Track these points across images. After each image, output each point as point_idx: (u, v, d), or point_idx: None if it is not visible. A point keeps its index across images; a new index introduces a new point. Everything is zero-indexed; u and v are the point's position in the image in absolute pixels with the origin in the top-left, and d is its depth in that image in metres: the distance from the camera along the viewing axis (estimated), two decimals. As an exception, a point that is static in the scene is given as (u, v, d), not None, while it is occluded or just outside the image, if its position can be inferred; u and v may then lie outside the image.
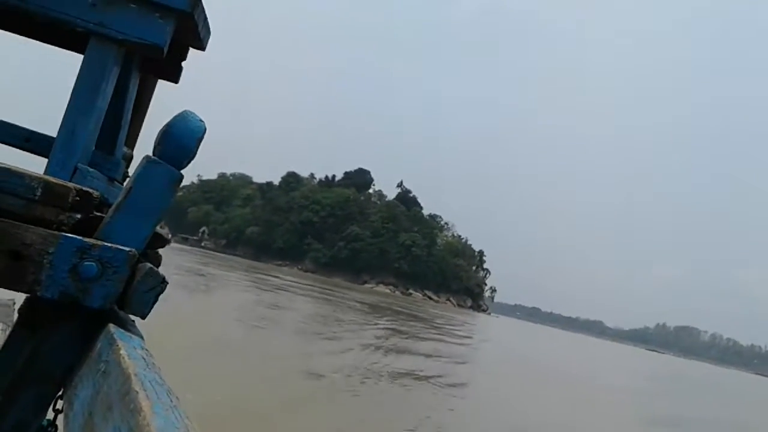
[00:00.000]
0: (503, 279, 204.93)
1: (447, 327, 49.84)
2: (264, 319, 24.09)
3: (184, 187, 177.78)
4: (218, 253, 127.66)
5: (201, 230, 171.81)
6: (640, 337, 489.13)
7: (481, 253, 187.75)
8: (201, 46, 2.36)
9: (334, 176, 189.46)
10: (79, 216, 1.65)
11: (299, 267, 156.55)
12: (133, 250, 1.54)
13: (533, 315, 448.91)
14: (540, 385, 25.11)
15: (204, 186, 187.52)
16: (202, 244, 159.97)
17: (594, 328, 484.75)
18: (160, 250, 1.94)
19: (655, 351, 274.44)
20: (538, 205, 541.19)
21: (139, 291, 1.54)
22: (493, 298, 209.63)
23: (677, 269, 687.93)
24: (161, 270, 1.67)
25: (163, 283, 1.59)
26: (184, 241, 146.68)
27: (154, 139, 1.65)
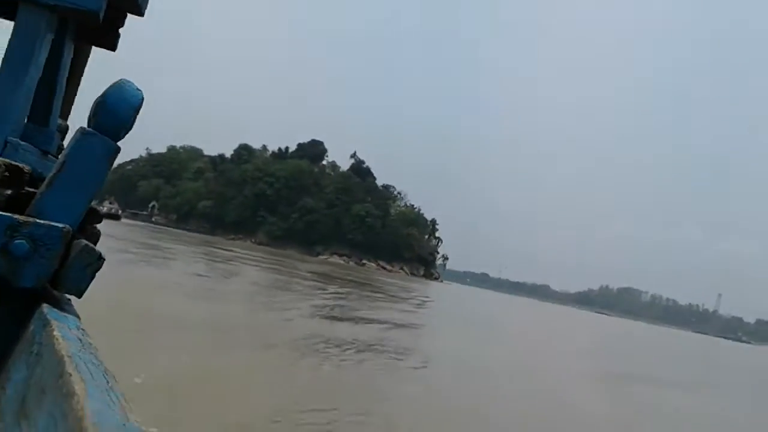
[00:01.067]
0: (453, 246, 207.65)
1: (394, 296, 50.00)
2: (207, 293, 23.73)
3: (132, 160, 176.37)
4: (170, 228, 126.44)
5: (151, 204, 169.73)
6: (584, 300, 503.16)
7: (433, 222, 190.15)
8: (139, 12, 2.27)
9: (287, 148, 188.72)
10: (9, 192, 1.58)
11: (252, 240, 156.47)
12: (67, 226, 1.48)
13: (483, 281, 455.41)
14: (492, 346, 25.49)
15: (153, 159, 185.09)
16: (153, 219, 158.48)
17: (541, 292, 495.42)
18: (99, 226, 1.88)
19: (603, 313, 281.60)
20: (486, 171, 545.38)
21: (75, 268, 1.49)
22: (445, 266, 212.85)
23: (619, 231, 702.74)
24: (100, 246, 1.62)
25: (99, 260, 1.54)
26: (134, 216, 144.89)
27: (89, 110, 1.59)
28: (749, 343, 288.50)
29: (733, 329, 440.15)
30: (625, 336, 79.31)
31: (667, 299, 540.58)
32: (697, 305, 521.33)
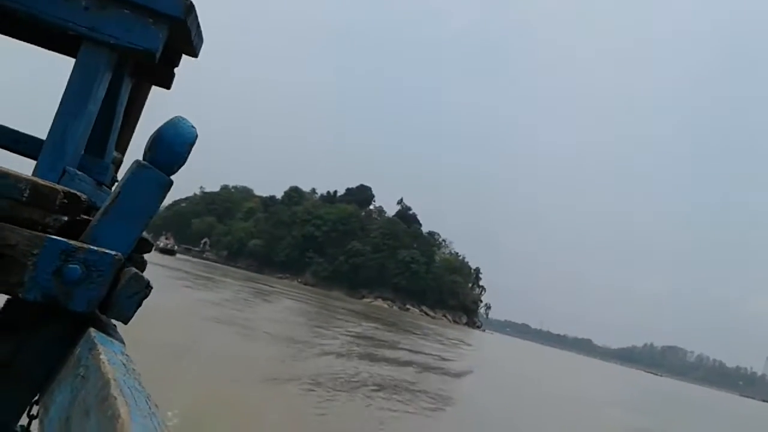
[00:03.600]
0: (494, 294, 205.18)
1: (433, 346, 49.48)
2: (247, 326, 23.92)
3: (187, 198, 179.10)
4: (220, 264, 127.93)
5: (203, 241, 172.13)
6: (627, 356, 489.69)
7: (477, 270, 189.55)
8: (194, 53, 2.36)
9: (335, 191, 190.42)
10: (66, 219, 1.65)
11: (299, 280, 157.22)
12: (119, 254, 1.53)
13: (523, 331, 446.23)
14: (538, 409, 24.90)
15: (207, 198, 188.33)
16: (204, 255, 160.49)
17: (582, 346, 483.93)
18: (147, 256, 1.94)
19: (651, 372, 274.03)
20: (531, 222, 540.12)
21: (123, 295, 1.54)
22: (487, 314, 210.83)
23: (665, 288, 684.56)
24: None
25: (147, 288, 1.59)
26: (187, 251, 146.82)
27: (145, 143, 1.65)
28: None
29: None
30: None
31: (714, 360, 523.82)
32: (745, 368, 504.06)
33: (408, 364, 25.08)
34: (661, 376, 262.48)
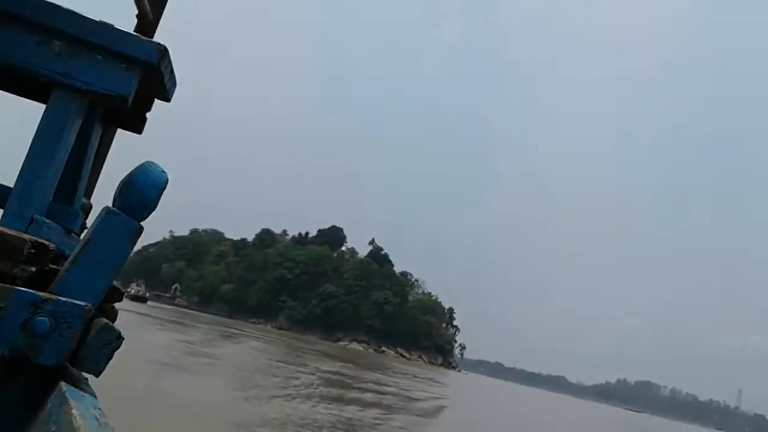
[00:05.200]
0: (466, 333, 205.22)
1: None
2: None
3: (156, 243, 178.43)
4: (191, 311, 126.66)
5: (174, 287, 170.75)
6: (602, 393, 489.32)
7: (450, 310, 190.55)
8: (166, 98, 2.34)
9: (307, 233, 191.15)
10: (33, 269, 1.59)
11: (273, 324, 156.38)
12: (88, 304, 1.48)
13: (497, 370, 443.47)
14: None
15: (176, 242, 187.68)
16: (176, 302, 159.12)
17: (557, 384, 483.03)
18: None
19: (633, 410, 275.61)
20: (501, 261, 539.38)
21: (94, 347, 1.48)
22: (462, 355, 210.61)
23: (637, 323, 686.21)
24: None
25: (119, 339, 1.54)
26: (157, 298, 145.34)
27: (115, 189, 1.61)
28: None
29: (757, 427, 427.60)
30: None
31: (687, 394, 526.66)
32: (718, 401, 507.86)
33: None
34: (640, 412, 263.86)
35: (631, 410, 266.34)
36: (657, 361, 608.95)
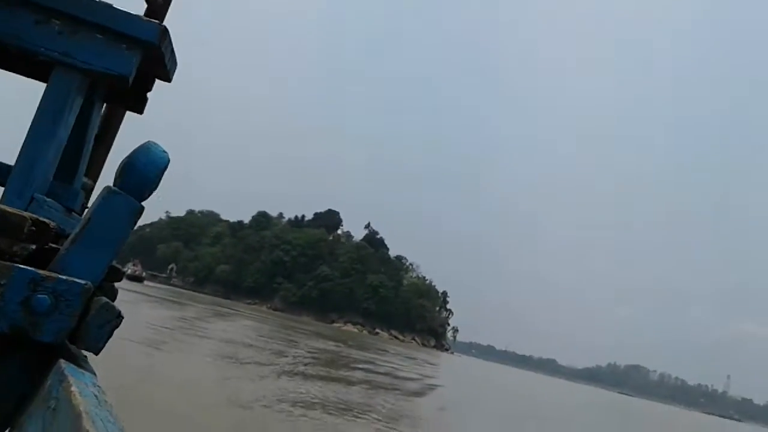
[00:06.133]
0: (459, 317, 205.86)
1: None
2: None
3: (153, 223, 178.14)
4: (187, 291, 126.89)
5: (170, 267, 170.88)
6: (592, 376, 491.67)
7: (444, 294, 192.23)
8: (167, 78, 2.33)
9: (303, 216, 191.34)
10: (34, 247, 1.60)
11: (268, 305, 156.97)
12: (89, 283, 1.49)
13: (489, 353, 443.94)
14: None
15: (173, 223, 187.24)
16: (172, 281, 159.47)
17: (548, 367, 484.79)
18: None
19: (626, 394, 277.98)
20: (493, 244, 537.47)
21: (93, 326, 1.49)
22: (455, 338, 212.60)
23: (628, 308, 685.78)
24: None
25: (118, 317, 1.54)
26: (153, 278, 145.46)
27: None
28: (739, 420, 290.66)
29: (744, 410, 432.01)
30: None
31: (676, 378, 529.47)
32: (707, 386, 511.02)
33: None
34: (632, 396, 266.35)
35: (623, 393, 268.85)
36: (647, 346, 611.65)
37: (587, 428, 35.15)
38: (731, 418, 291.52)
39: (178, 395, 13.68)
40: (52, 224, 1.68)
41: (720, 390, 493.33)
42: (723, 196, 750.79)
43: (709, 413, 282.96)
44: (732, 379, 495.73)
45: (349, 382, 24.21)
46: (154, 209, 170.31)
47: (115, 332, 1.55)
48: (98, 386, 1.35)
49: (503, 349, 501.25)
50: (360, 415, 16.96)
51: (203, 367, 19.25)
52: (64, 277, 1.46)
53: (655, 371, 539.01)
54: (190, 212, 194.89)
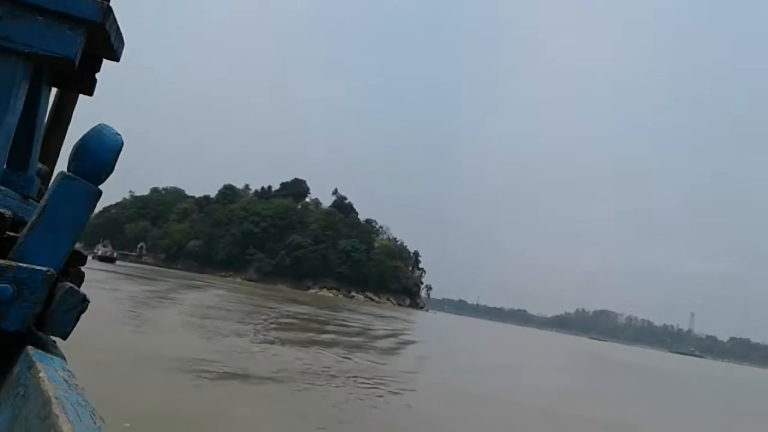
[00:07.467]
0: (430, 275, 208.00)
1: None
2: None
3: (117, 204, 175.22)
4: (159, 267, 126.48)
5: (139, 246, 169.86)
6: (562, 323, 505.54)
7: (416, 254, 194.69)
8: (115, 57, 2.28)
9: (270, 187, 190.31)
10: (-10, 237, 1.59)
11: (243, 276, 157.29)
12: (51, 269, 1.48)
13: (461, 308, 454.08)
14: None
15: (138, 202, 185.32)
16: (143, 259, 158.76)
17: (518, 317, 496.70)
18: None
19: (597, 339, 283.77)
20: (461, 199, 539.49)
21: (59, 311, 1.49)
22: (429, 295, 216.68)
23: (593, 256, 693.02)
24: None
25: (84, 302, 1.54)
26: (124, 257, 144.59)
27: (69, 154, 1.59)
28: (702, 357, 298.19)
29: (708, 348, 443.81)
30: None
31: (643, 320, 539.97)
32: (672, 326, 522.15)
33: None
34: (603, 340, 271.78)
35: (594, 339, 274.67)
36: (613, 291, 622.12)
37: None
38: (692, 355, 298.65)
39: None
40: (8, 213, 1.67)
41: (685, 329, 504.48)
42: (704, 138, 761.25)
43: (675, 352, 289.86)
44: (696, 317, 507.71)
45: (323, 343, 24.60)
46: (116, 189, 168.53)
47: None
48: (68, 370, 1.36)
49: (474, 303, 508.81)
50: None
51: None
52: (24, 265, 1.45)
53: (622, 315, 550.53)
54: (155, 190, 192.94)
